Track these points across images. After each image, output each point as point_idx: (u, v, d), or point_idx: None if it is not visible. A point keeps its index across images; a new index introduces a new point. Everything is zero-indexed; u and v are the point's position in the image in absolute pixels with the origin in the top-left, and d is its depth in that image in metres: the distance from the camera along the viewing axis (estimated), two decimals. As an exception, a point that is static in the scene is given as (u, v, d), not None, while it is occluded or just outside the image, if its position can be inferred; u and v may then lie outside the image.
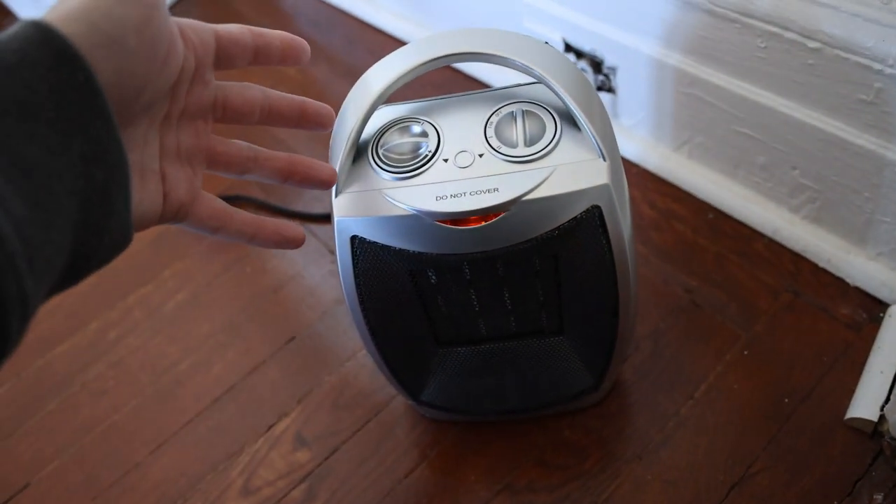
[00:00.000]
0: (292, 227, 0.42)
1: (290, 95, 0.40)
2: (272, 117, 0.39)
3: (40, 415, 0.71)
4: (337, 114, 0.46)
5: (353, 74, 0.46)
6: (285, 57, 0.38)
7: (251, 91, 0.38)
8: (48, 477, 0.66)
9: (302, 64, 0.39)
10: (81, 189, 0.26)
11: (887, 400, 0.56)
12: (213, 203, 0.38)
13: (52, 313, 0.79)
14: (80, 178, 0.26)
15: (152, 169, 0.34)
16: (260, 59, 0.37)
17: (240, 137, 0.40)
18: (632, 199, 0.48)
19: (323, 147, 0.47)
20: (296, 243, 0.42)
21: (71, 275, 0.28)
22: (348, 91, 0.47)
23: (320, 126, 0.41)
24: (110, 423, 0.69)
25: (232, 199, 0.87)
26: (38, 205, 0.24)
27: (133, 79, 0.29)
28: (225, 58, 0.36)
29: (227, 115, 0.38)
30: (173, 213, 0.36)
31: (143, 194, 0.33)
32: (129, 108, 0.30)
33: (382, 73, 0.45)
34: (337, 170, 0.45)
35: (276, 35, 0.37)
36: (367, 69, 0.46)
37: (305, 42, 0.39)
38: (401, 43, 0.43)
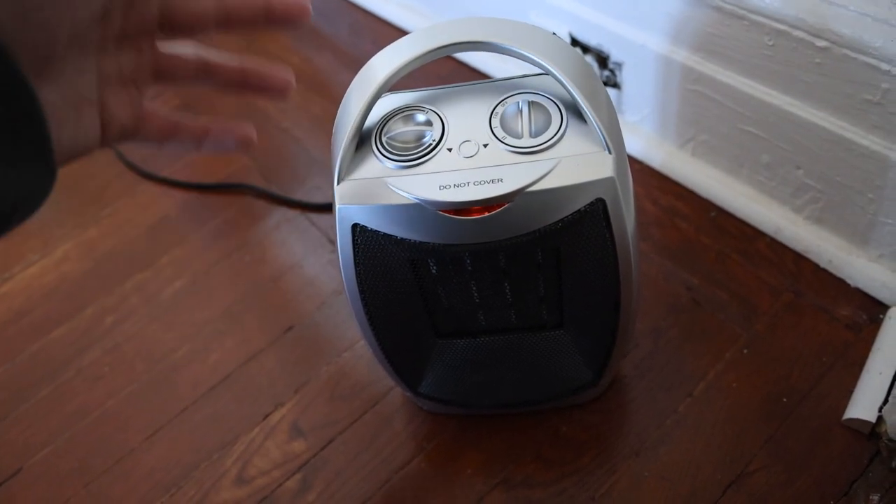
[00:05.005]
0: (242, 126, 0.39)
1: None
2: (231, 23, 0.35)
3: (34, 400, 0.70)
4: (341, 104, 0.46)
5: (357, 65, 0.46)
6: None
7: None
8: (41, 462, 0.65)
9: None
10: None
11: (885, 401, 0.56)
12: (158, 117, 0.36)
13: (47, 297, 0.78)
14: None
15: (89, 100, 0.32)
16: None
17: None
18: (635, 195, 0.48)
19: (326, 131, 0.47)
20: (246, 142, 0.39)
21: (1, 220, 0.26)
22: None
23: (292, 20, 0.36)
24: (105, 409, 0.68)
25: (232, 187, 0.87)
26: None
27: (42, 26, 0.27)
28: None
29: (175, 29, 0.35)
30: (116, 138, 0.34)
31: (79, 128, 0.32)
32: (47, 52, 0.28)
33: (388, 61, 0.44)
34: (339, 159, 0.44)
35: None
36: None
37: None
38: (406, 34, 0.43)
